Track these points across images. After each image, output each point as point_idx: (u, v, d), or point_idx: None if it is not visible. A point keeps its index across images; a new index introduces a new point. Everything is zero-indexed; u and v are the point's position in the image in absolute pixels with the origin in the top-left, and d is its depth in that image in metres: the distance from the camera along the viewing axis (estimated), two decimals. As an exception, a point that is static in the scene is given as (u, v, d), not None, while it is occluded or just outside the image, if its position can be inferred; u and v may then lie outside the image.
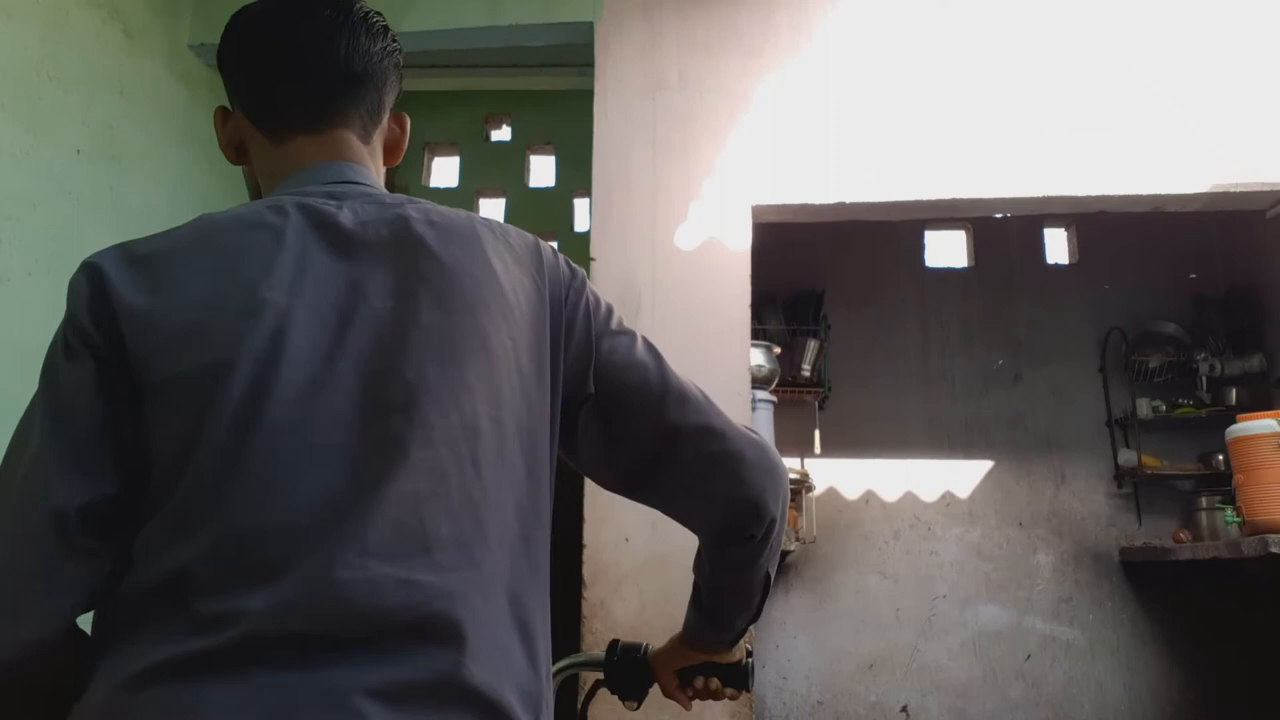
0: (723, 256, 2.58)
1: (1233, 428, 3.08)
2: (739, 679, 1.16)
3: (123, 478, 0.77)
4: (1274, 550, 2.71)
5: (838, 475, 4.09)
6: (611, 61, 2.76)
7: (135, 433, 0.76)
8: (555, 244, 4.37)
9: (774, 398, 3.48)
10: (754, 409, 2.85)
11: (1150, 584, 3.87)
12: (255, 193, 0.98)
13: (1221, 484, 3.54)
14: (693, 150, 2.67)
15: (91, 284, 0.78)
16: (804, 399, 3.97)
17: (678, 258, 2.59)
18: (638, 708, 1.20)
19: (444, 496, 0.75)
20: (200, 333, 0.76)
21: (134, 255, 0.80)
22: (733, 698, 1.17)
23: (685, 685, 1.18)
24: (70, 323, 0.78)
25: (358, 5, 0.96)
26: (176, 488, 0.74)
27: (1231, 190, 2.56)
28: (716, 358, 2.49)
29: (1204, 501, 3.63)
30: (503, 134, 4.38)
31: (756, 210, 2.63)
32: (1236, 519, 3.08)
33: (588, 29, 2.80)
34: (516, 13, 2.81)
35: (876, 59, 2.72)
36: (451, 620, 0.71)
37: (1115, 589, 3.92)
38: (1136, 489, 4.00)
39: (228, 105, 0.98)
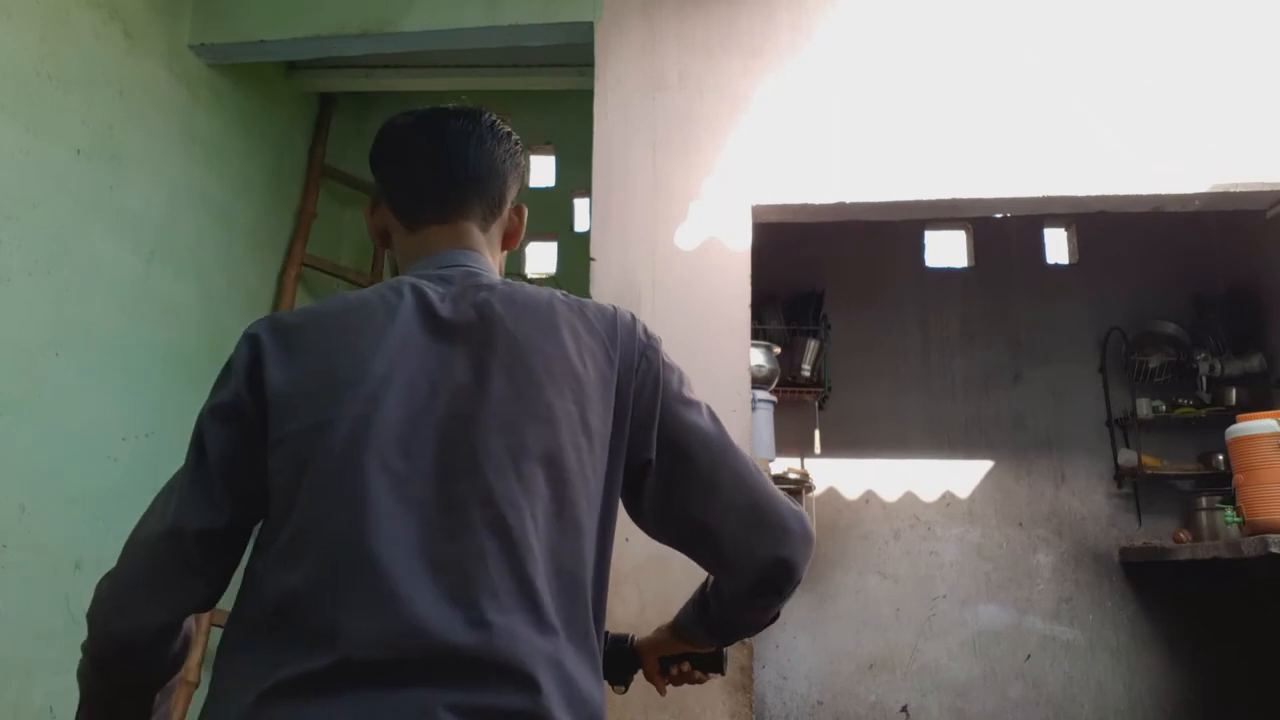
0: (723, 256, 2.58)
1: (1233, 428, 3.08)
2: (713, 664, 1.25)
3: (238, 513, 0.95)
4: (1274, 550, 2.71)
5: (838, 475, 4.09)
6: (611, 61, 2.76)
7: (259, 479, 0.93)
8: (555, 244, 4.35)
9: (774, 398, 3.47)
10: (754, 409, 2.84)
11: (1150, 584, 3.87)
12: (394, 269, 1.15)
13: (1221, 484, 3.54)
14: (693, 150, 2.66)
15: (252, 352, 0.95)
16: (804, 399, 3.97)
17: (678, 258, 2.58)
18: (625, 691, 1.28)
19: (508, 548, 0.87)
20: (315, 396, 0.92)
21: (282, 326, 0.98)
22: (700, 681, 1.27)
23: (664, 672, 1.27)
24: (228, 382, 0.96)
25: (485, 115, 1.12)
26: (285, 527, 0.89)
27: (1231, 190, 2.56)
28: (716, 358, 2.49)
29: (1204, 501, 3.63)
30: (503, 134, 4.36)
31: (756, 210, 2.62)
32: (1236, 519, 3.08)
33: (588, 29, 2.80)
34: (516, 13, 2.81)
35: (876, 59, 2.72)
36: (514, 655, 0.83)
37: (1115, 589, 3.92)
38: (1136, 489, 4.00)
39: (377, 198, 1.14)
